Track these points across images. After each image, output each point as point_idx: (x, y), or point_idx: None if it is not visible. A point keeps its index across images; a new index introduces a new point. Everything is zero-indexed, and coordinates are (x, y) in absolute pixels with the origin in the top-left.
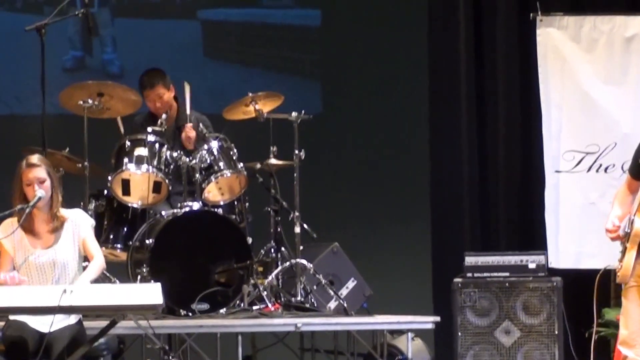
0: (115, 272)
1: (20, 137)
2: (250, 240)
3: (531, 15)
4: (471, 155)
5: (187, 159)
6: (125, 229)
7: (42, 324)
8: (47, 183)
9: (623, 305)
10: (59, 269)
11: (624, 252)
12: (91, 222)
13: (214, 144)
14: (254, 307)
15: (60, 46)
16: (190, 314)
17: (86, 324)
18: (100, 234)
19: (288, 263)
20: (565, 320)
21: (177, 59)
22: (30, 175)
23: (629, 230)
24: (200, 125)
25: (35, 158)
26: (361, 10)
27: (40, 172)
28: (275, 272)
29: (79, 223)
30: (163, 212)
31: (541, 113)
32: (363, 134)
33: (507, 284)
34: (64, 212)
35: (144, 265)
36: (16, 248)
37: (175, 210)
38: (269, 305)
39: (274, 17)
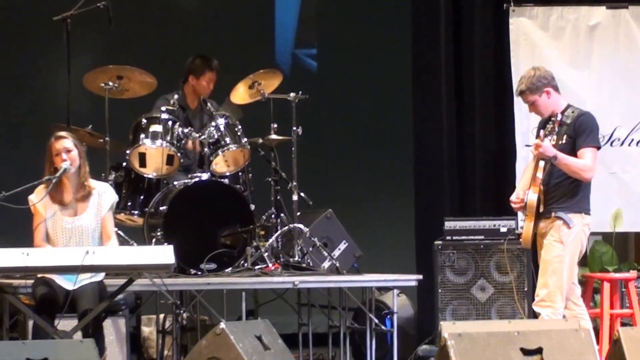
0: (132, 235)
1: (49, 115)
2: (252, 207)
3: (504, 5)
4: (450, 130)
5: (197, 135)
6: (141, 197)
7: (68, 282)
8: (74, 153)
9: None
10: (82, 235)
11: (525, 220)
12: (115, 199)
13: (221, 121)
14: (256, 267)
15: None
16: (199, 273)
17: (106, 281)
18: (119, 202)
19: (286, 227)
20: (534, 278)
21: None
22: (58, 145)
23: (525, 202)
24: (209, 104)
25: (63, 132)
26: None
27: (67, 143)
28: (275, 235)
29: (104, 199)
30: (175, 182)
31: (513, 94)
32: (353, 112)
33: (482, 246)
34: (92, 182)
35: (158, 229)
36: (47, 213)
37: (186, 180)
38: (270, 265)
39: None
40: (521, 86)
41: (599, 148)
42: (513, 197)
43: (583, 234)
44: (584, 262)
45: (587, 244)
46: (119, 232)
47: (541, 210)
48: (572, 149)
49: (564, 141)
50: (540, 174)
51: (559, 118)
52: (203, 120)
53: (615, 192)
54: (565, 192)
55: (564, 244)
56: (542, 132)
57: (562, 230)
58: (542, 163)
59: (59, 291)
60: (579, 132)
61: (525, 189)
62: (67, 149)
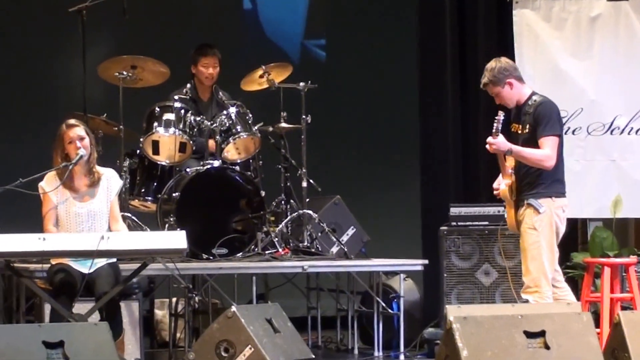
0: (145, 221)
1: (64, 104)
2: (263, 193)
3: None
4: (455, 119)
5: (209, 123)
6: (155, 184)
7: (83, 266)
8: (87, 141)
9: None
10: (93, 220)
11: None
12: (121, 183)
13: (232, 110)
14: (266, 252)
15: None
16: (211, 257)
17: (121, 266)
18: (133, 188)
19: (296, 213)
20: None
21: None
22: (71, 133)
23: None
24: (220, 93)
25: (73, 119)
26: None
27: (80, 131)
28: (285, 221)
29: (112, 183)
30: (188, 169)
31: None
32: (361, 101)
33: (486, 232)
34: (99, 169)
35: (171, 215)
36: (58, 199)
37: (198, 167)
38: (280, 250)
39: None
40: (484, 79)
41: (559, 136)
42: (494, 185)
43: (556, 216)
44: (585, 247)
45: (587, 229)
46: (133, 217)
47: (513, 198)
48: (534, 137)
49: (527, 130)
50: (509, 164)
51: (495, 120)
52: (214, 110)
53: (615, 179)
54: (534, 179)
55: (537, 230)
56: (494, 126)
57: (533, 217)
58: None
59: (76, 275)
60: (538, 121)
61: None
62: (80, 136)
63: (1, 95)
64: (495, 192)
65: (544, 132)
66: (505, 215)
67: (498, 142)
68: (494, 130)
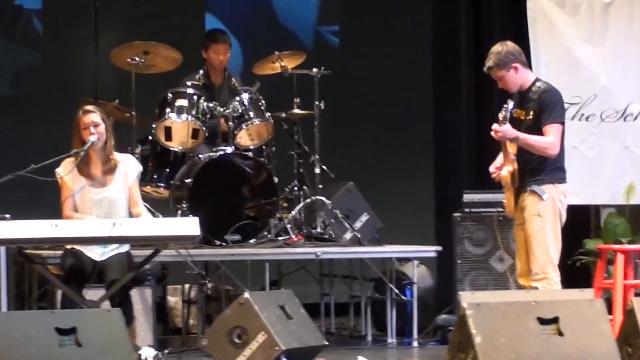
0: (158, 207)
1: (77, 90)
2: (276, 179)
3: None
4: (469, 105)
5: (222, 109)
6: (167, 170)
7: (95, 253)
8: (102, 127)
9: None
10: (110, 206)
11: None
12: (140, 168)
13: (245, 96)
14: (280, 238)
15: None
16: (223, 244)
17: (133, 252)
18: (146, 175)
19: (309, 199)
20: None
21: None
22: (86, 119)
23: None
24: (233, 79)
25: (90, 106)
26: None
27: (95, 117)
28: (298, 207)
29: (130, 169)
30: (201, 155)
31: (531, 69)
32: (374, 88)
33: (500, 218)
34: (117, 155)
35: (184, 201)
36: (75, 186)
37: (211, 154)
38: (293, 236)
39: None
40: (489, 62)
41: (563, 124)
42: (491, 168)
43: (559, 202)
44: (598, 234)
45: (600, 215)
46: (145, 204)
47: (516, 185)
48: (538, 124)
49: (530, 117)
50: (511, 150)
51: (504, 109)
52: (227, 96)
53: (628, 166)
54: (537, 166)
55: (542, 217)
56: (500, 115)
57: (537, 204)
58: None
59: (86, 262)
60: (542, 108)
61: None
62: (95, 123)
63: (15, 83)
64: (493, 175)
65: (548, 120)
66: (504, 201)
67: (504, 129)
68: (501, 118)
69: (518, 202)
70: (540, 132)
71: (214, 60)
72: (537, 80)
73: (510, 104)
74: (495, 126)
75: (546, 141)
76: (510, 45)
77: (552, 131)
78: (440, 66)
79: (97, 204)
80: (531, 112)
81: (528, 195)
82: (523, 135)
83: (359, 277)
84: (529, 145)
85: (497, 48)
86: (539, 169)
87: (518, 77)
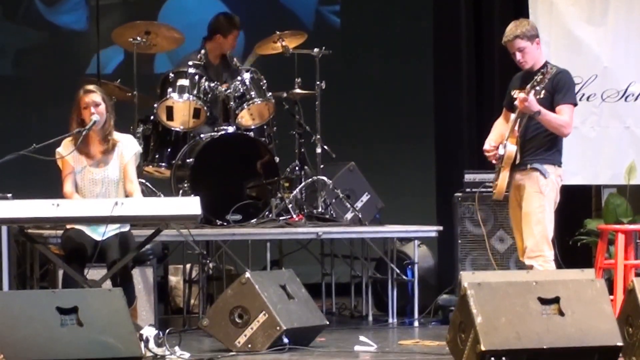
0: (159, 187)
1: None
2: (277, 159)
3: None
4: (470, 86)
5: (223, 89)
6: (169, 150)
7: (96, 233)
8: (102, 107)
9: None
10: (109, 185)
11: (498, 172)
12: (138, 149)
13: (247, 76)
14: (281, 218)
15: None
16: (225, 223)
17: (134, 232)
18: (147, 154)
19: (310, 179)
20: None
21: None
22: (87, 99)
23: (502, 154)
24: (235, 59)
25: (91, 85)
26: None
27: (96, 97)
28: (299, 187)
29: (127, 149)
30: (202, 135)
31: None
32: (375, 67)
33: (502, 198)
34: (116, 135)
35: (185, 181)
36: (75, 165)
37: (212, 133)
38: (294, 216)
39: None
40: (516, 31)
41: (575, 105)
42: (486, 146)
43: (557, 184)
44: (599, 214)
45: (601, 196)
46: (147, 183)
47: (517, 162)
48: (550, 104)
49: (542, 96)
50: (517, 127)
51: (540, 83)
52: (225, 75)
53: (629, 146)
54: (540, 145)
55: (543, 194)
56: (528, 86)
57: (540, 181)
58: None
59: (87, 241)
60: (557, 88)
61: (498, 141)
62: (95, 102)
63: (17, 63)
64: (489, 152)
65: (564, 100)
66: (495, 180)
67: (531, 100)
68: (529, 88)
69: (513, 181)
70: (551, 110)
71: (231, 46)
72: (548, 62)
73: (540, 77)
74: (522, 94)
75: (563, 119)
76: (531, 22)
77: (566, 111)
78: (442, 46)
79: (96, 184)
80: (543, 92)
81: (528, 172)
82: (545, 110)
83: (360, 257)
84: (548, 121)
85: (522, 21)
86: (543, 148)
87: (537, 53)
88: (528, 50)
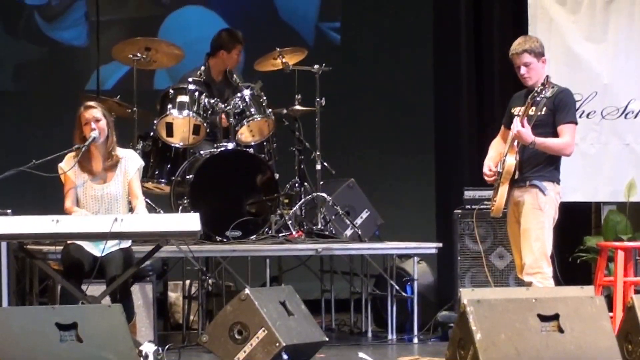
0: (159, 203)
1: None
2: (277, 175)
3: None
4: (470, 102)
5: (223, 105)
6: (168, 166)
7: (96, 249)
8: (103, 123)
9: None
10: (111, 202)
11: (497, 188)
12: (140, 163)
13: (246, 92)
14: (280, 234)
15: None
16: (224, 240)
17: (134, 248)
18: (147, 170)
19: (310, 196)
20: (551, 246)
21: None
22: (87, 115)
23: (500, 170)
24: (234, 75)
25: (91, 102)
26: None
27: (96, 112)
28: (299, 203)
29: (129, 163)
30: (202, 151)
31: None
32: (375, 84)
33: (500, 215)
34: (119, 151)
35: (185, 197)
36: (77, 181)
37: (212, 150)
38: (293, 232)
39: None
40: (525, 45)
41: (576, 124)
42: (485, 170)
43: (556, 201)
44: (598, 231)
45: (601, 213)
46: (147, 199)
47: (516, 177)
48: (552, 123)
49: (542, 113)
50: (516, 143)
51: (540, 92)
52: (227, 92)
53: (629, 163)
54: (539, 162)
55: (542, 211)
56: (523, 108)
57: (540, 198)
58: None
59: (86, 257)
60: (559, 107)
61: (497, 159)
62: (96, 118)
63: (17, 78)
64: (489, 176)
65: (565, 119)
66: (494, 197)
67: (524, 133)
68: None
69: (512, 197)
70: (552, 129)
71: (235, 61)
72: (548, 79)
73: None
74: (518, 127)
75: (563, 142)
76: (540, 40)
77: (568, 131)
78: (441, 63)
79: (98, 200)
80: (544, 109)
81: (527, 189)
82: (540, 140)
83: (359, 273)
84: (546, 148)
85: (530, 37)
86: (541, 164)
87: (542, 72)
88: (533, 67)
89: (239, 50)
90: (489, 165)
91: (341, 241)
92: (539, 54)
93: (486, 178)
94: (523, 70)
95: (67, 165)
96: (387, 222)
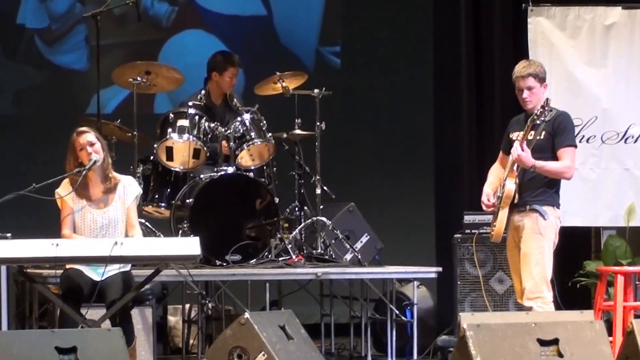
0: (159, 227)
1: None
2: (277, 200)
3: (523, 5)
4: (470, 127)
5: (223, 129)
6: (168, 190)
7: (95, 273)
8: (98, 146)
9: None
10: (108, 227)
11: (496, 213)
12: (139, 191)
13: (247, 116)
14: (280, 259)
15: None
16: (224, 264)
17: (134, 272)
18: (147, 194)
19: (310, 220)
20: (552, 271)
21: None
22: (81, 140)
23: (500, 195)
24: (235, 100)
25: (83, 127)
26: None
27: (90, 137)
28: (299, 228)
29: (128, 191)
30: (202, 175)
31: None
32: (375, 108)
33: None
34: (117, 175)
35: (185, 221)
36: (75, 206)
37: (212, 174)
38: (293, 256)
39: None
40: (529, 69)
41: (576, 147)
42: (484, 199)
43: (556, 225)
44: (598, 255)
45: (601, 237)
46: (146, 223)
47: (516, 201)
48: (551, 146)
49: (542, 137)
50: (516, 167)
51: (539, 116)
52: (228, 116)
53: (628, 188)
54: (539, 186)
55: (542, 235)
56: (519, 136)
57: (540, 222)
58: None
59: (85, 281)
60: (558, 131)
61: (496, 184)
62: (90, 142)
63: (17, 102)
64: (488, 207)
65: (565, 142)
66: (494, 221)
67: (524, 157)
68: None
69: (511, 222)
70: (551, 153)
71: (227, 84)
72: (548, 99)
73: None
74: (519, 151)
75: (563, 165)
76: (543, 65)
77: (568, 154)
78: (441, 87)
79: (97, 224)
80: (543, 132)
81: (527, 214)
82: (540, 164)
83: (359, 297)
84: (546, 172)
85: (535, 62)
86: (541, 189)
87: (542, 96)
88: (536, 91)
89: (232, 73)
90: (488, 194)
91: (341, 265)
92: (542, 79)
93: (484, 208)
94: (525, 94)
95: (64, 191)
96: (387, 246)
